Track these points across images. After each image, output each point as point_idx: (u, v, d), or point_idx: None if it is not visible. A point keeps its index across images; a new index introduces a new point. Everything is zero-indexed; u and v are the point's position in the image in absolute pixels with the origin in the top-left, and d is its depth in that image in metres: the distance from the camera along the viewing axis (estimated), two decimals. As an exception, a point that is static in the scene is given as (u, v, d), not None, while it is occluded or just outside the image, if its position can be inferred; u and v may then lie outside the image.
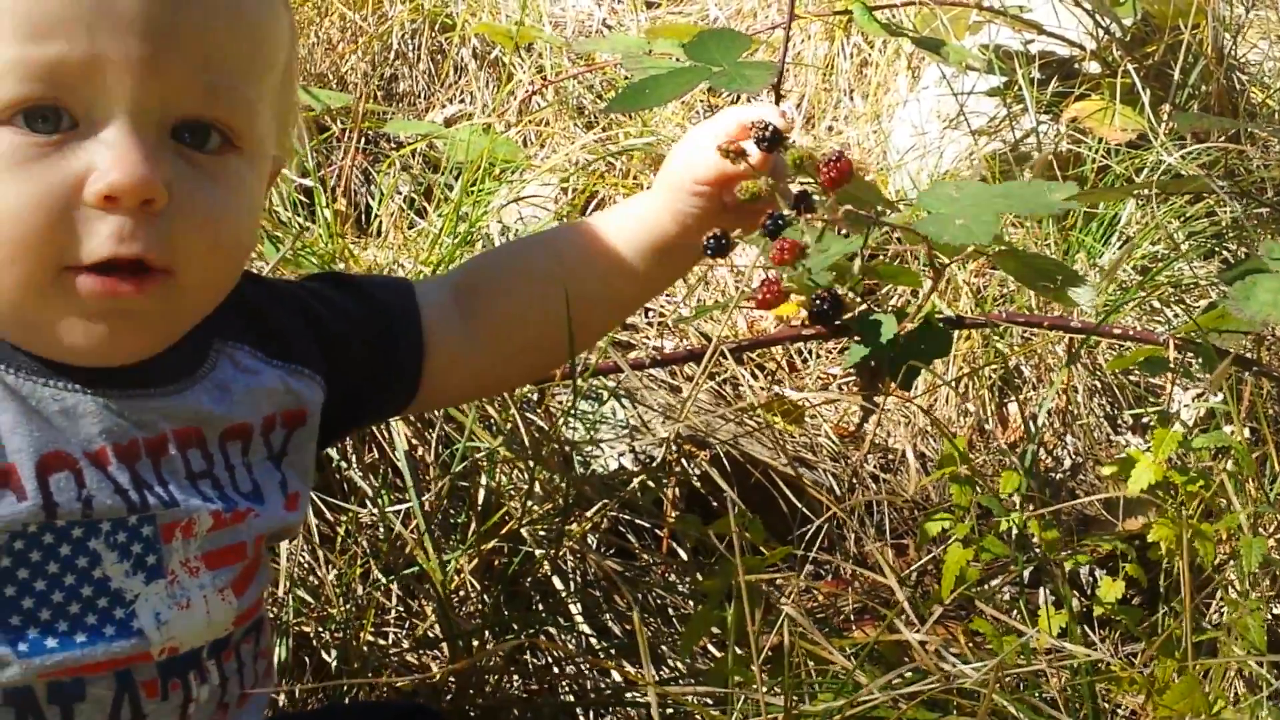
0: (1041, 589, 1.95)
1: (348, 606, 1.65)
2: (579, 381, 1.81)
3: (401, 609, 1.71)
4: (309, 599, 1.65)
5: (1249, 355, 1.82)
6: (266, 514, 1.15)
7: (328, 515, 1.72)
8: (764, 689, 1.28)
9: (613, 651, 1.73)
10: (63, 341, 1.03)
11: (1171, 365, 1.76)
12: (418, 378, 1.31)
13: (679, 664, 1.72)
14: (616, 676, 1.72)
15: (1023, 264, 1.74)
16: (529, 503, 1.72)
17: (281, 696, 1.57)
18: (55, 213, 0.98)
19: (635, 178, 2.52)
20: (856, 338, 1.75)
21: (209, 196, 1.03)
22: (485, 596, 1.71)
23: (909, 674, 1.53)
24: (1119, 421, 2.31)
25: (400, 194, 2.33)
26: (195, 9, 1.01)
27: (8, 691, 1.02)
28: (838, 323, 1.73)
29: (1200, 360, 1.76)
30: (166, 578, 1.08)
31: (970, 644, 1.65)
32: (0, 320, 1.03)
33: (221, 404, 1.12)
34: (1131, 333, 1.95)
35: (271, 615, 1.62)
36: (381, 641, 1.69)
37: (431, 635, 1.69)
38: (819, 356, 2.37)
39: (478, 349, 1.33)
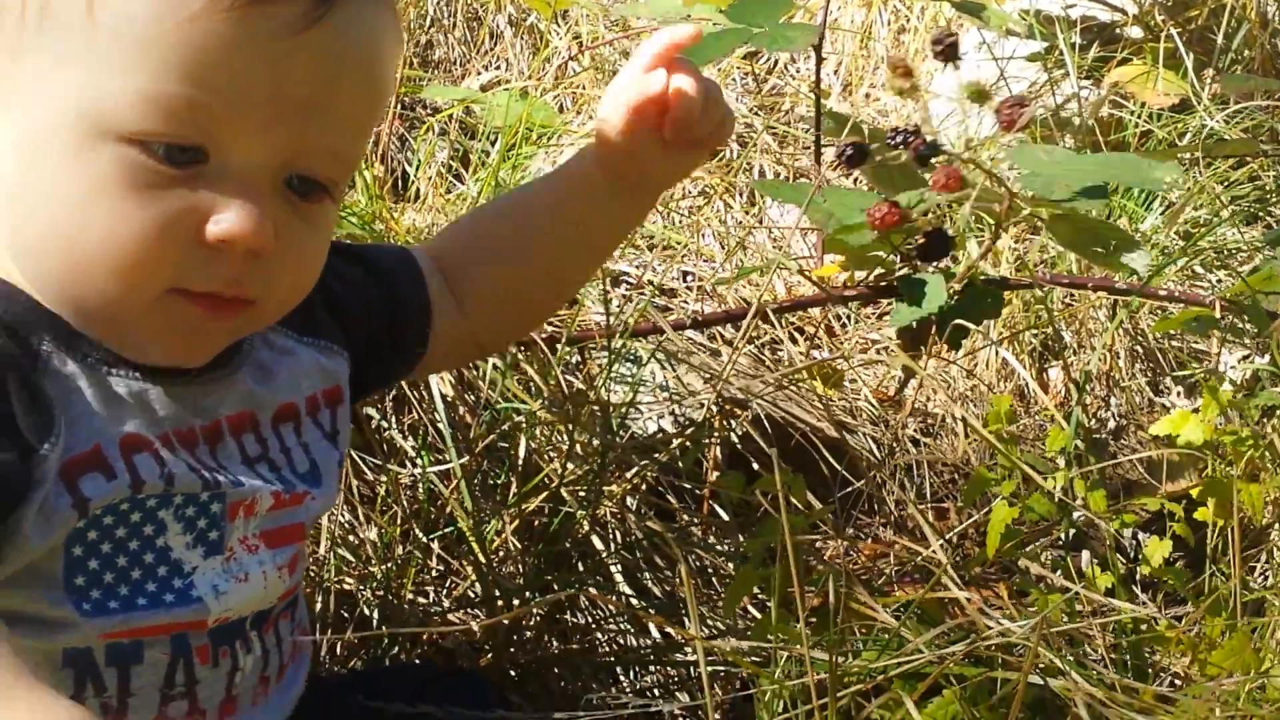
0: (1084, 552, 1.93)
1: (388, 565, 1.65)
2: (617, 343, 1.81)
3: (442, 568, 1.71)
4: (350, 557, 1.65)
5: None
6: (323, 496, 1.18)
7: (368, 475, 1.73)
8: (809, 645, 1.27)
9: (652, 610, 1.73)
10: (147, 347, 1.06)
11: (1220, 328, 1.74)
12: (425, 343, 1.32)
13: (719, 624, 1.71)
14: (656, 635, 1.72)
15: (1076, 229, 1.72)
16: (568, 464, 1.71)
17: (324, 651, 1.57)
18: (175, 241, 1.01)
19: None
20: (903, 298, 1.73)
21: (305, 242, 1.08)
22: (525, 556, 1.70)
23: (952, 632, 1.52)
24: (1160, 386, 2.29)
25: (436, 159, 2.32)
26: (348, 86, 1.05)
27: (67, 652, 1.03)
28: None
29: (1249, 321, 1.74)
30: (224, 554, 1.10)
31: (1015, 604, 1.63)
32: (82, 315, 1.05)
33: (266, 385, 1.15)
34: (1177, 294, 1.93)
35: (312, 573, 1.62)
36: (422, 600, 1.69)
37: (472, 595, 1.68)
38: (858, 321, 2.35)
39: (471, 319, 1.34)
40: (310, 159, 1.05)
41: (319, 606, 1.60)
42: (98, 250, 1.00)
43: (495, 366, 1.75)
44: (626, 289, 2.16)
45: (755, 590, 1.68)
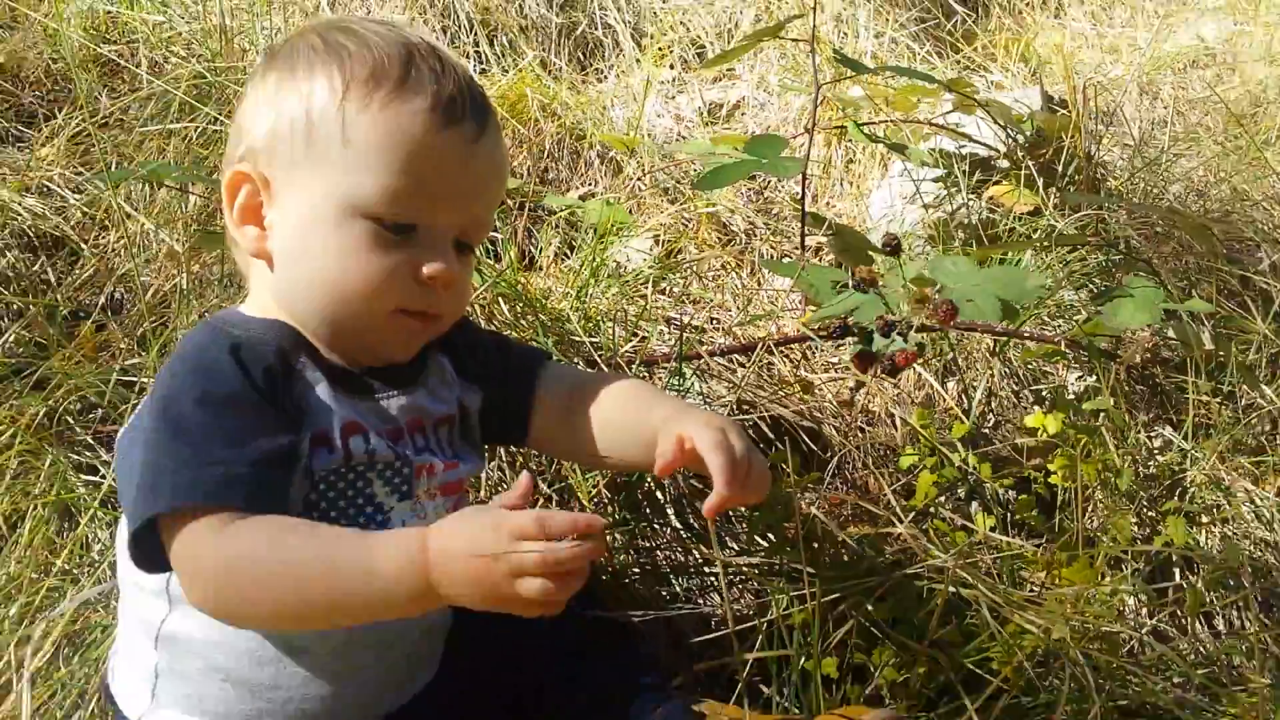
0: (974, 503, 1.93)
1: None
2: (673, 364, 1.82)
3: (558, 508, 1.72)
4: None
5: (1115, 351, 1.80)
6: (468, 466, 1.18)
7: (513, 447, 1.73)
8: (804, 560, 1.28)
9: (692, 539, 1.73)
10: (379, 348, 1.11)
11: (1066, 357, 1.74)
12: (526, 424, 1.24)
13: (736, 546, 1.71)
14: (696, 555, 1.72)
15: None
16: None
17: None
18: (402, 280, 1.07)
19: (705, 235, 2.52)
20: (856, 340, 1.74)
21: (465, 279, 1.13)
22: (614, 503, 1.71)
23: (891, 555, 1.52)
24: (1022, 395, 2.28)
25: (552, 245, 2.35)
26: (496, 177, 1.12)
27: None
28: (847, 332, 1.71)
29: (1086, 353, 1.74)
30: (413, 499, 1.11)
31: (933, 537, 1.63)
32: (339, 333, 1.08)
33: (434, 404, 1.16)
34: (1037, 335, 1.92)
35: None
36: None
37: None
38: (823, 350, 2.36)
39: (568, 439, 1.25)
40: (474, 230, 1.10)
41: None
42: (353, 287, 1.05)
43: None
44: (674, 328, 2.17)
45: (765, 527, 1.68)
